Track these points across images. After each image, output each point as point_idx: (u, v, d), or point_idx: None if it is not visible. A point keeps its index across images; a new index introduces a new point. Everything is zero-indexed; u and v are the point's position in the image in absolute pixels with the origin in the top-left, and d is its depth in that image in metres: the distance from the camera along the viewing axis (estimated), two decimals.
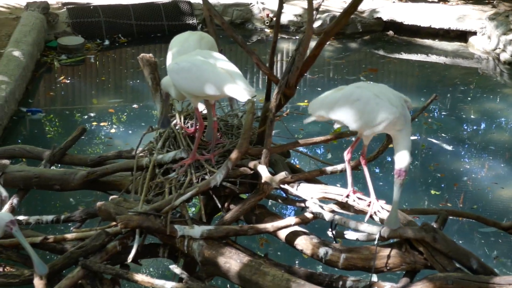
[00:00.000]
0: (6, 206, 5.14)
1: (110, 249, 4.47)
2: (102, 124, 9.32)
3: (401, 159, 3.95)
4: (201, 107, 5.00)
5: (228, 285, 4.64)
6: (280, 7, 5.11)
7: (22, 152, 5.70)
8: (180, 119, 5.10)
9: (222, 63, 4.56)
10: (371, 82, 4.26)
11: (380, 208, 4.28)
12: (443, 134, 9.00)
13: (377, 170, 7.75)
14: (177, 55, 4.85)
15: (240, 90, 4.39)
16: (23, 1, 13.28)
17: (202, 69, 4.51)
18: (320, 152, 7.85)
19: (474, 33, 13.27)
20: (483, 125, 10.00)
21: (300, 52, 4.59)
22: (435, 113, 10.10)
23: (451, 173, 8.29)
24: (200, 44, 4.94)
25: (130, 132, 8.87)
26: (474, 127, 9.85)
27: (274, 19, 5.68)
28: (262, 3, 13.73)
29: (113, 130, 9.14)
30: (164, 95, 4.99)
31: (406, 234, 4.09)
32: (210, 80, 4.47)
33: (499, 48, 12.42)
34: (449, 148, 8.91)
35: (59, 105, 10.30)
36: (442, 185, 7.94)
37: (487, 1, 14.84)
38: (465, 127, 9.77)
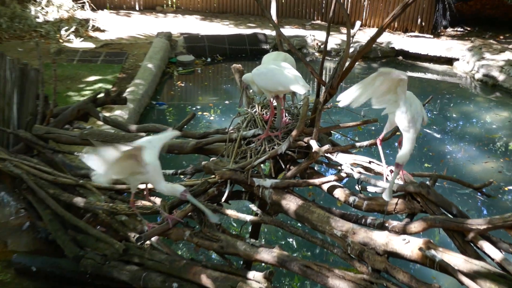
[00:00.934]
0: None
1: (210, 193, 4.52)
2: (205, 113, 9.39)
3: (402, 156, 3.93)
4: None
5: (288, 220, 4.62)
6: (327, 38, 5.13)
7: (153, 128, 5.72)
8: (259, 108, 5.11)
9: (289, 70, 4.59)
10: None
11: (389, 173, 4.27)
12: (434, 127, 8.92)
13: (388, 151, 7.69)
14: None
15: (299, 87, 4.45)
16: (155, 31, 13.43)
17: (275, 73, 4.54)
18: (352, 133, 7.83)
19: (457, 59, 13.13)
20: (461, 122, 9.90)
21: (340, 64, 4.59)
22: (428, 113, 10.00)
23: (438, 153, 8.24)
24: (284, 60, 4.96)
25: (223, 119, 8.95)
26: (455, 123, 9.75)
27: (322, 46, 5.66)
28: (313, 35, 13.69)
29: (212, 118, 9.23)
30: (243, 86, 5.06)
31: (408, 189, 4.07)
32: (279, 80, 4.50)
33: (474, 70, 12.29)
34: (438, 136, 8.85)
35: (177, 100, 10.40)
36: (432, 161, 7.87)
37: (467, 38, 14.63)
38: (449, 123, 9.69)
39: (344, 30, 6.87)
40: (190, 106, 9.83)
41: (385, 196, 3.92)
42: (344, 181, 4.60)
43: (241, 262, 4.38)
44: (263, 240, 5.85)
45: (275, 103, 4.91)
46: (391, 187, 3.95)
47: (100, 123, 6.47)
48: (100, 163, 3.90)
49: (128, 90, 9.18)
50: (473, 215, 6.42)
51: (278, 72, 4.55)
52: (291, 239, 5.85)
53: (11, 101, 6.03)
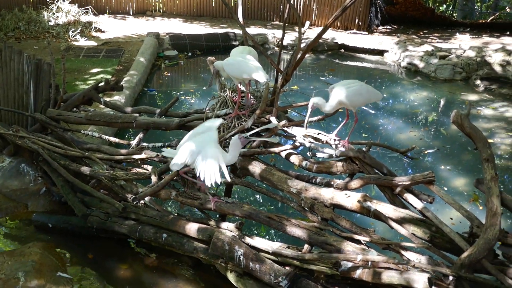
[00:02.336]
0: (138, 136, 5.15)
1: None
2: (187, 97, 9.30)
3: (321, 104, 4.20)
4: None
5: (254, 181, 4.59)
6: (283, 36, 5.06)
7: (144, 110, 5.67)
8: (229, 92, 5.05)
9: (252, 62, 4.52)
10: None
11: (333, 142, 4.26)
12: (369, 105, 8.91)
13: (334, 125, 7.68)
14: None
15: (259, 76, 4.38)
16: (145, 31, 13.27)
17: (240, 64, 4.48)
18: (303, 111, 7.79)
19: (387, 51, 13.13)
20: (391, 100, 9.92)
21: (294, 56, 4.55)
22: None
23: (373, 125, 8.25)
24: (249, 53, 4.89)
25: (201, 101, 8.85)
26: (386, 102, 9.77)
27: (280, 42, 5.62)
28: (273, 33, 13.59)
29: (192, 101, 9.14)
30: (214, 71, 4.99)
31: (349, 154, 4.07)
32: (244, 70, 4.44)
33: (400, 59, 12.32)
34: (373, 112, 8.86)
35: (164, 87, 10.27)
36: (368, 132, 7.90)
37: (394, 34, 14.66)
38: (381, 102, 9.67)
39: (297, 28, 6.93)
40: (175, 92, 9.71)
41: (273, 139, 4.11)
42: (299, 149, 4.58)
43: (218, 216, 4.34)
44: (240, 198, 5.83)
45: (242, 88, 4.85)
46: (306, 121, 4.22)
47: (101, 106, 6.39)
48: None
49: (124, 79, 9.07)
50: (400, 173, 6.45)
51: (243, 64, 4.49)
52: (257, 196, 5.84)
53: (28, 89, 5.96)
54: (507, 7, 18.37)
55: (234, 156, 3.83)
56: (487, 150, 3.38)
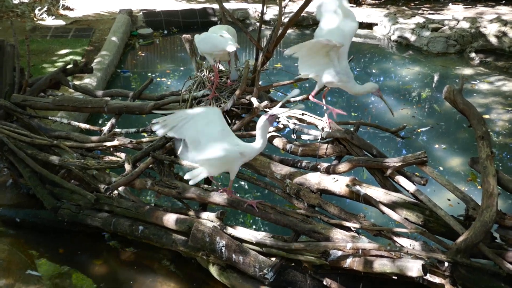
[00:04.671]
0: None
1: (168, 147, 4.42)
2: (163, 79, 9.20)
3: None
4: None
5: None
6: (263, 10, 5.02)
7: (117, 93, 5.65)
8: (207, 72, 4.98)
9: (223, 35, 4.49)
10: None
11: (326, 123, 4.24)
12: (358, 82, 8.79)
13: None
14: None
15: (229, 46, 4.37)
16: (117, 8, 13.10)
17: (210, 37, 4.46)
18: (288, 91, 7.72)
19: (376, 24, 13.05)
20: (381, 77, 9.90)
21: (275, 32, 4.50)
22: (355, 70, 9.99)
23: (363, 103, 8.23)
24: (226, 31, 4.82)
25: (178, 83, 8.74)
26: (376, 78, 9.74)
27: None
28: (255, 8, 13.46)
29: (169, 82, 9.04)
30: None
31: (336, 135, 4.04)
32: (214, 43, 4.43)
33: (391, 32, 12.26)
34: None
35: (139, 68, 10.17)
36: (358, 111, 7.87)
37: (383, 6, 14.61)
38: (371, 78, 9.67)
39: (283, 2, 6.85)
40: (150, 73, 9.60)
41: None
42: (285, 131, 4.54)
43: (198, 206, 4.31)
44: (221, 185, 5.77)
45: (221, 67, 4.81)
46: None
47: (71, 90, 6.29)
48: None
49: (95, 60, 8.94)
50: (392, 154, 6.46)
51: (213, 37, 4.46)
52: (242, 183, 5.79)
53: None
54: None
55: (265, 141, 3.56)
56: (481, 127, 3.36)
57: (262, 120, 3.49)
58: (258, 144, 3.51)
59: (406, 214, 3.58)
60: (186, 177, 3.63)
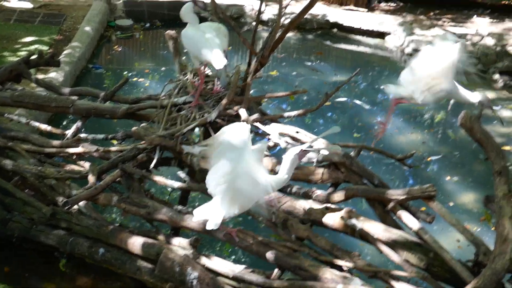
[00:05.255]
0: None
1: (139, 158, 4.45)
2: (140, 80, 9.22)
3: None
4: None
5: None
6: (260, 8, 5.05)
7: (86, 92, 5.67)
8: (191, 75, 5.01)
9: (212, 39, 4.52)
10: None
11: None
12: (364, 98, 8.94)
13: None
14: None
15: (216, 60, 4.42)
16: None
17: (198, 41, 4.53)
18: (283, 104, 7.75)
19: (389, 34, 13.13)
20: (391, 94, 9.94)
21: (272, 35, 4.54)
22: (361, 85, 10.06)
23: (367, 124, 8.26)
24: (217, 31, 4.84)
25: (158, 85, 8.74)
26: (385, 95, 9.76)
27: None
28: (251, 5, 13.52)
29: (147, 84, 9.07)
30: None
31: (333, 159, 4.06)
32: (199, 49, 4.51)
33: (405, 44, 12.34)
34: (367, 107, 8.88)
35: (114, 65, 10.21)
36: (361, 131, 7.92)
37: (399, 13, 14.73)
38: (379, 95, 9.72)
39: (284, 1, 6.87)
40: (126, 71, 9.61)
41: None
42: (276, 150, 4.56)
43: (170, 229, 4.31)
44: (196, 206, 5.77)
45: (208, 71, 4.83)
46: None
47: (33, 85, 6.28)
48: None
49: (64, 52, 8.94)
50: (399, 183, 6.50)
51: (201, 42, 4.48)
52: None
53: None
54: None
55: (289, 177, 3.59)
56: (500, 161, 3.40)
57: (292, 154, 3.52)
58: (282, 177, 3.55)
59: (407, 255, 3.59)
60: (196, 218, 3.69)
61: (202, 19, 5.28)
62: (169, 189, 4.71)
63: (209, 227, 3.57)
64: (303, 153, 3.54)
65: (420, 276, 3.45)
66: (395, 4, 16.03)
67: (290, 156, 3.51)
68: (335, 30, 13.70)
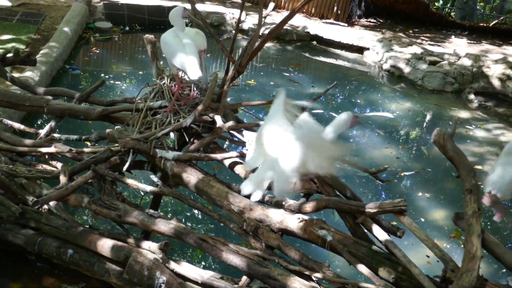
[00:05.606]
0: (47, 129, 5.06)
1: (112, 161, 4.42)
2: (117, 82, 9.22)
3: None
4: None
5: (187, 192, 4.56)
6: (240, 16, 5.06)
7: (61, 92, 5.63)
8: (168, 80, 5.00)
9: (190, 49, 4.52)
10: None
11: None
12: (339, 111, 8.94)
13: None
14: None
15: (192, 72, 4.38)
16: None
17: (175, 49, 4.53)
18: (258, 113, 7.77)
19: (368, 49, 13.29)
20: (368, 108, 10.04)
21: (250, 44, 4.55)
22: (338, 98, 10.14)
23: (343, 137, 8.28)
24: (195, 34, 4.90)
25: (134, 89, 8.76)
26: (361, 109, 9.88)
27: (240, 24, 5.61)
28: (232, 13, 13.56)
29: (123, 87, 9.07)
30: None
31: None
32: (175, 59, 4.50)
33: (383, 60, 12.49)
34: None
35: (91, 66, 10.17)
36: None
37: (378, 29, 14.88)
38: (356, 109, 9.80)
39: (264, 11, 6.80)
40: (103, 74, 9.59)
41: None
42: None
43: (141, 233, 4.30)
44: (170, 212, 5.76)
45: (185, 76, 4.83)
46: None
47: (8, 83, 6.23)
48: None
49: (41, 52, 8.91)
50: (371, 197, 6.54)
51: (179, 49, 4.48)
52: (193, 212, 5.79)
53: None
54: None
55: (335, 136, 3.52)
56: (471, 180, 3.43)
57: (346, 116, 3.53)
58: (327, 135, 3.50)
59: (376, 268, 3.60)
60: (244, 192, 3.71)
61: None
62: (142, 193, 4.69)
63: (254, 198, 3.63)
64: (356, 119, 3.52)
65: None
66: (375, 21, 16.21)
67: (344, 116, 3.49)
68: (314, 42, 13.83)
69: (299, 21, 14.02)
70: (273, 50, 12.93)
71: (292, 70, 11.63)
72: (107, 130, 4.61)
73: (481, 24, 17.17)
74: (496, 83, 11.19)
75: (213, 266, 4.90)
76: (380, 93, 11.08)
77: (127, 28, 12.60)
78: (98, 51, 11.05)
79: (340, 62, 12.92)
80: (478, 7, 20.21)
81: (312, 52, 13.30)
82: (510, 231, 6.53)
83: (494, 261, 5.50)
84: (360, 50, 13.46)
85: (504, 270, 3.66)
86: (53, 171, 4.53)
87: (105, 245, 3.91)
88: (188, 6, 4.90)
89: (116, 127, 4.76)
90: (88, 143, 5.22)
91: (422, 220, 6.26)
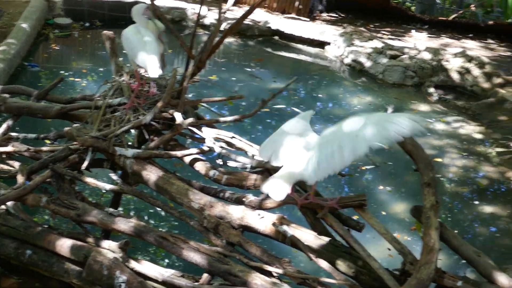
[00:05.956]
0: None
1: (71, 159, 4.36)
2: (77, 80, 9.11)
3: None
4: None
5: (147, 190, 4.53)
6: (200, 11, 5.06)
7: (18, 90, 5.58)
8: (127, 77, 4.96)
9: (150, 46, 4.51)
10: None
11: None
12: (301, 106, 9.00)
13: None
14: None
15: (152, 70, 4.45)
16: None
17: (135, 46, 4.53)
18: (220, 109, 7.74)
19: (329, 43, 13.32)
20: (329, 103, 10.09)
21: (210, 39, 4.54)
22: (300, 93, 10.16)
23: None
24: (154, 26, 4.91)
25: (95, 86, 8.63)
26: (323, 104, 9.93)
27: (201, 19, 5.59)
28: (194, 9, 13.49)
29: (84, 84, 8.97)
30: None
31: (267, 165, 4.09)
32: (136, 56, 4.50)
33: (344, 55, 12.53)
34: None
35: (51, 63, 10.04)
36: None
37: (340, 24, 14.96)
38: (318, 103, 9.85)
39: (223, 5, 6.69)
40: (63, 71, 9.47)
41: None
42: (214, 155, 4.56)
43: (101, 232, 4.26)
44: (132, 210, 5.72)
45: (145, 74, 4.80)
46: None
47: None
48: None
49: None
50: (334, 192, 6.57)
51: (140, 47, 4.46)
52: (156, 210, 5.75)
53: None
54: (472, 5, 19.07)
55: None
56: (429, 173, 3.48)
57: None
58: None
59: (336, 262, 3.63)
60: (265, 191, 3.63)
61: None
62: (103, 191, 4.65)
63: (278, 198, 3.56)
64: None
65: (348, 283, 3.49)
66: (336, 15, 16.29)
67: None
68: (276, 37, 13.83)
69: (261, 16, 14.02)
70: (235, 46, 12.91)
71: (254, 65, 11.62)
72: (66, 128, 4.55)
73: (441, 18, 17.34)
74: (455, 76, 11.33)
75: (176, 264, 4.88)
76: (341, 87, 11.14)
77: (87, 24, 12.47)
78: (57, 48, 10.92)
79: (301, 57, 12.95)
80: (438, 1, 20.39)
81: (274, 47, 13.30)
82: (469, 222, 6.63)
83: (453, 253, 5.60)
84: (322, 44, 13.49)
85: (464, 262, 3.70)
86: (10, 170, 4.47)
87: (65, 245, 3.86)
88: (148, 1, 4.86)
89: (75, 125, 4.71)
90: (47, 142, 5.15)
91: (384, 213, 6.31)
